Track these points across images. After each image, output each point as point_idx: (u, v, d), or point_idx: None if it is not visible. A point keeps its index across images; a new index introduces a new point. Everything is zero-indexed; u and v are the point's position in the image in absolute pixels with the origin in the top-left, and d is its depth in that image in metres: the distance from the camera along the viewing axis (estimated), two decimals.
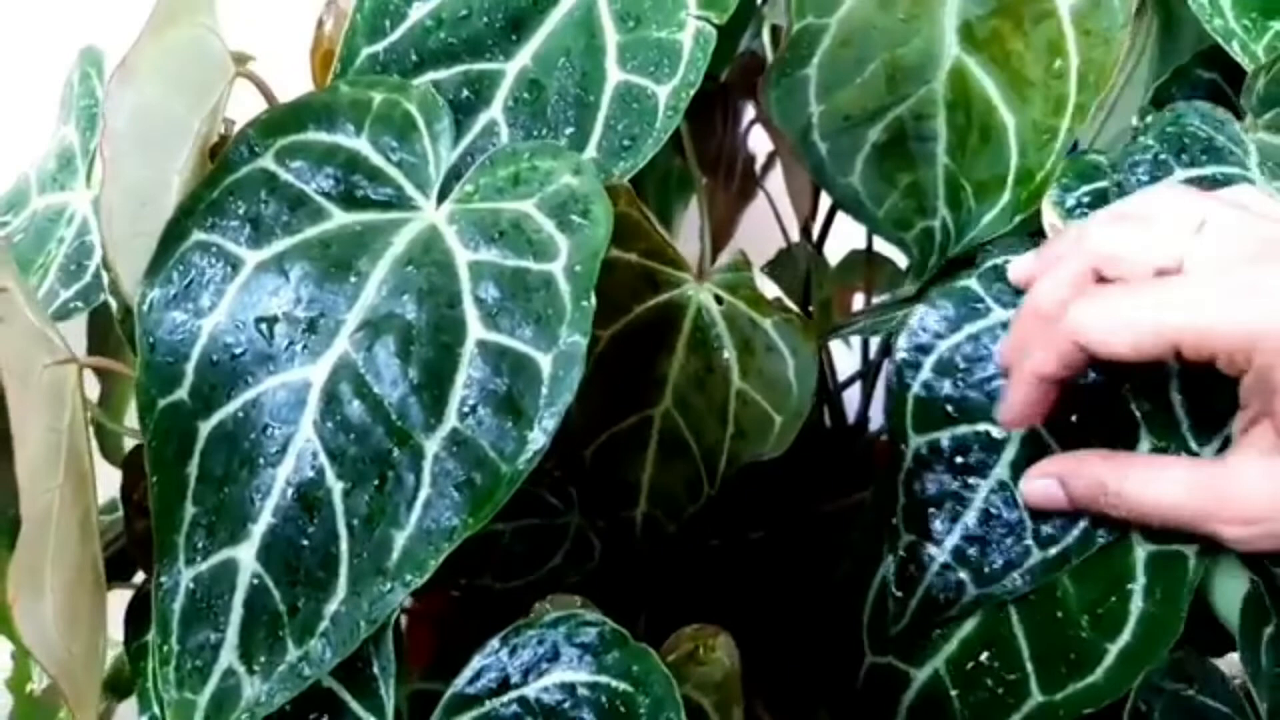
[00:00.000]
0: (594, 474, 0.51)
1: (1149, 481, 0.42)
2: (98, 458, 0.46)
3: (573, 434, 0.50)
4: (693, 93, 0.56)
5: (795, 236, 0.82)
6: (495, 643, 0.41)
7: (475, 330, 0.41)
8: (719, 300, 0.51)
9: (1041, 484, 0.45)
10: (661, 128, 0.56)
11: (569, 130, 0.57)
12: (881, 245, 0.80)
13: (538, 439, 0.39)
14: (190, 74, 0.45)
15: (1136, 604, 0.44)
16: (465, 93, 0.58)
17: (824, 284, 0.81)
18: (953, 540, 0.46)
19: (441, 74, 0.58)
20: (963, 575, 0.45)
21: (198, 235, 0.44)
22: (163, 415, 0.42)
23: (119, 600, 0.50)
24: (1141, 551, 0.44)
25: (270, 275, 0.43)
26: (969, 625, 0.46)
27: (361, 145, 0.46)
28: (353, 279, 0.42)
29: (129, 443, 0.55)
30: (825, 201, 0.73)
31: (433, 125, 0.47)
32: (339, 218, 0.44)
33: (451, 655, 0.42)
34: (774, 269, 0.85)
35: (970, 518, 0.46)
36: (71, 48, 0.70)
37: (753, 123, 0.74)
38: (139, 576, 0.54)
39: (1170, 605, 0.44)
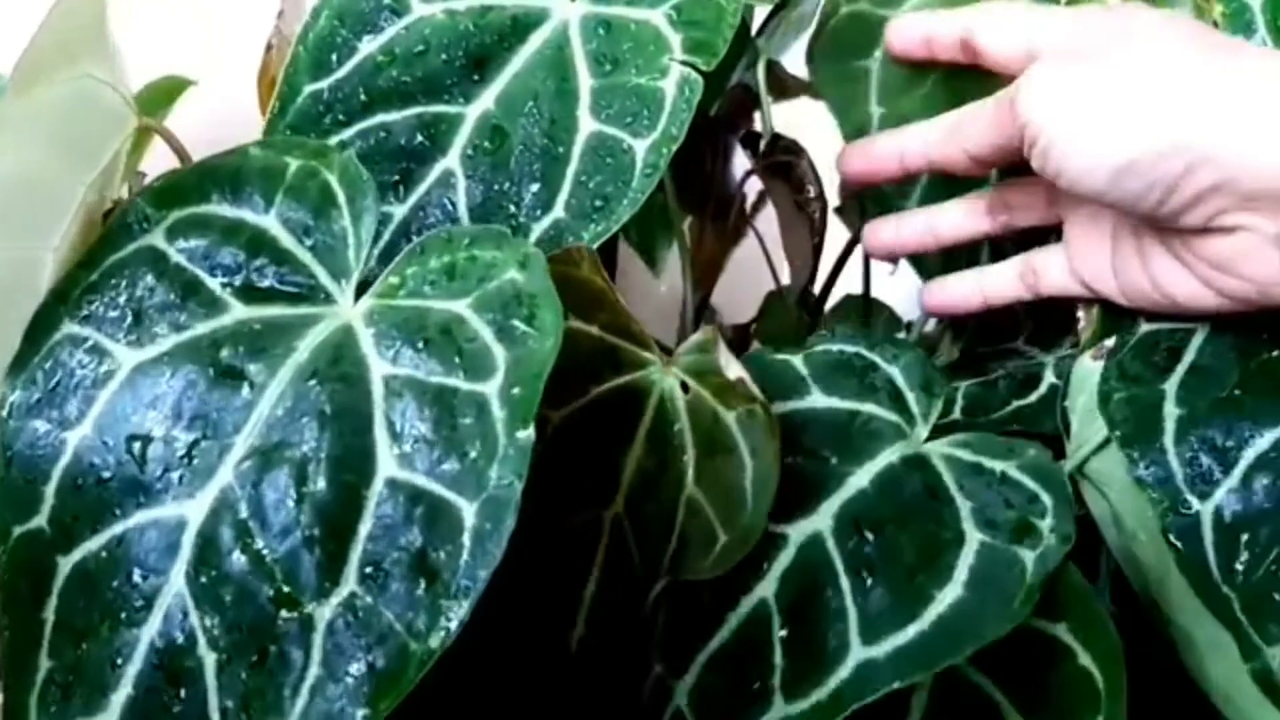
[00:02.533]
0: (529, 585, 0.41)
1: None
2: None
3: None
4: (675, 148, 0.46)
5: (785, 278, 0.72)
6: None
7: (386, 466, 0.31)
8: (685, 389, 0.41)
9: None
10: (638, 187, 0.46)
11: (534, 186, 0.47)
12: (879, 291, 0.71)
13: (456, 610, 0.29)
14: (71, 132, 0.36)
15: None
16: (419, 138, 0.48)
17: (819, 326, 0.71)
18: None
19: (393, 116, 0.48)
20: None
21: (69, 327, 0.34)
22: (18, 545, 0.32)
23: None
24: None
25: (149, 381, 0.33)
26: None
27: (269, 223, 0.36)
28: (245, 392, 0.33)
29: None
30: (829, 253, 0.63)
31: (355, 201, 0.37)
32: (236, 312, 0.34)
33: None
34: (763, 314, 0.75)
35: None
36: None
37: (748, 174, 0.64)
38: None
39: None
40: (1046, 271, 0.47)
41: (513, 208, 0.47)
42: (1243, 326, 0.41)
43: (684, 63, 0.47)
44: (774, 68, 0.59)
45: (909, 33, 0.49)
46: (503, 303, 0.33)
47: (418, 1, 0.49)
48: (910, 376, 0.42)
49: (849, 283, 0.73)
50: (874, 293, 0.74)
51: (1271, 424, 0.37)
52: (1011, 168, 0.46)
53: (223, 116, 0.67)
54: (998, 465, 0.39)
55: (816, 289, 0.67)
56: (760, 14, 0.57)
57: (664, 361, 0.41)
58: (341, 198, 0.36)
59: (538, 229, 0.46)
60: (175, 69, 0.59)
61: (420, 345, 0.33)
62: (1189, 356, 0.41)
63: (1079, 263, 0.46)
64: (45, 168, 0.34)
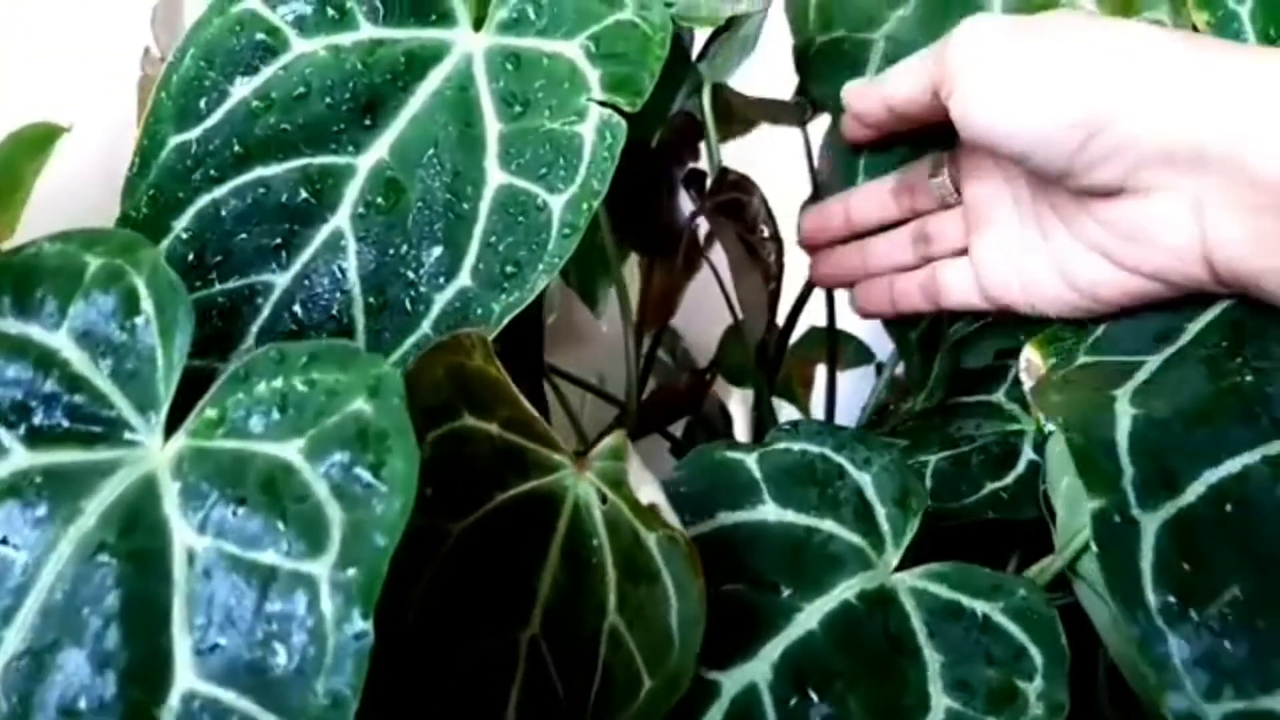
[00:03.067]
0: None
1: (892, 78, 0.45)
2: None
3: (404, 669, 0.33)
4: (596, 204, 0.39)
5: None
6: None
7: (184, 676, 0.24)
8: (602, 499, 0.34)
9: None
10: (555, 250, 0.39)
11: (436, 249, 0.40)
12: (846, 322, 0.64)
13: None
14: None
15: None
16: (303, 194, 0.41)
17: (782, 362, 0.64)
18: None
19: (273, 170, 0.41)
20: None
21: None
22: None
23: None
24: None
25: None
26: None
27: (61, 341, 0.28)
28: (17, 571, 0.26)
29: None
30: (789, 293, 0.56)
31: (165, 311, 0.29)
32: (15, 459, 0.27)
33: None
34: (722, 350, 0.68)
35: None
36: None
37: (694, 214, 0.57)
38: None
39: None
40: (950, 285, 0.47)
41: (411, 275, 0.40)
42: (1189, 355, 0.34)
43: (604, 103, 0.39)
44: (721, 92, 0.52)
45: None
46: (343, 443, 0.26)
47: (296, 37, 0.42)
48: (883, 487, 0.35)
49: (814, 313, 0.66)
50: (841, 324, 0.67)
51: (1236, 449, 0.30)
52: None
53: (107, 166, 0.60)
54: (980, 606, 0.32)
55: (781, 319, 0.60)
56: (701, 36, 0.50)
57: (576, 465, 0.34)
58: (149, 307, 0.29)
59: (441, 299, 0.40)
60: (51, 113, 0.51)
61: (237, 506, 0.26)
62: (1141, 375, 0.34)
63: (983, 273, 0.45)
64: None
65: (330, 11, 0.42)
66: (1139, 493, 0.28)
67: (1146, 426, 0.30)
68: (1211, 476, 0.29)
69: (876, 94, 0.45)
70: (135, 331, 0.28)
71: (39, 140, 0.51)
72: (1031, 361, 0.36)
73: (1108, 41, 0.37)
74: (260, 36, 0.42)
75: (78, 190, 0.57)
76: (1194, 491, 0.28)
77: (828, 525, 0.34)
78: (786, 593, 0.33)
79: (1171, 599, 0.27)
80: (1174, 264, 0.37)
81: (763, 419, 0.56)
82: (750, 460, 0.36)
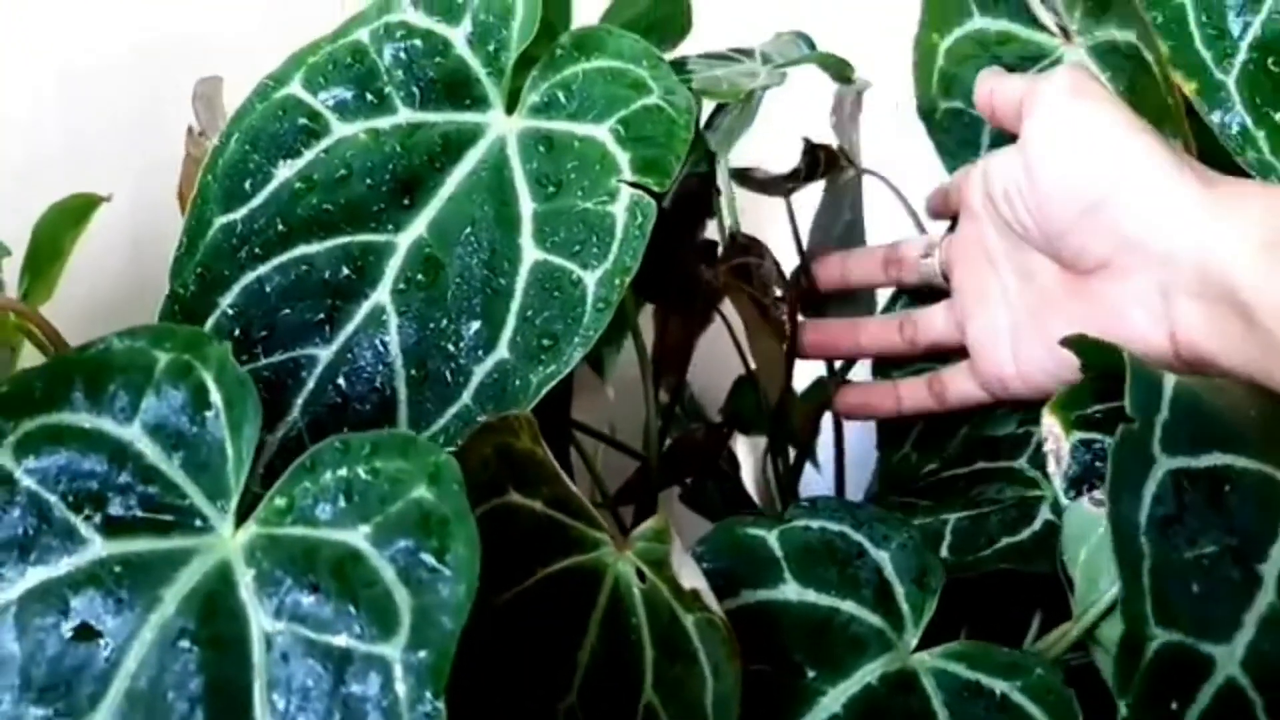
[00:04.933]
0: None
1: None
2: None
3: None
4: (628, 280, 0.40)
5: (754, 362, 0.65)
6: None
7: None
8: (641, 577, 0.34)
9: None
10: (590, 324, 0.40)
11: (474, 324, 0.41)
12: (856, 372, 0.64)
13: None
14: None
15: None
16: (345, 271, 0.41)
17: (793, 411, 0.65)
18: None
19: (315, 248, 0.42)
20: None
21: None
22: None
23: None
24: None
25: None
26: None
27: (134, 434, 0.29)
28: (102, 658, 0.26)
29: None
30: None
31: (234, 406, 0.29)
32: (95, 548, 0.27)
33: None
34: (732, 399, 0.69)
35: None
36: None
37: (707, 281, 0.57)
38: None
39: None
40: (952, 382, 0.50)
41: (451, 348, 0.40)
42: None
43: (634, 184, 0.40)
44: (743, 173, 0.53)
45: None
46: (407, 530, 0.26)
47: (337, 121, 0.42)
48: (901, 565, 0.35)
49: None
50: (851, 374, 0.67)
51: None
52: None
53: (144, 234, 0.60)
54: (998, 685, 0.32)
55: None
56: (708, 107, 0.51)
57: (617, 543, 0.35)
58: (218, 401, 0.29)
59: (480, 371, 0.40)
60: (89, 183, 0.51)
61: (310, 591, 0.26)
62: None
63: (980, 364, 0.47)
64: None
65: (369, 97, 0.43)
66: None
67: None
68: None
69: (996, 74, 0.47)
70: (205, 424, 0.29)
71: (79, 210, 0.51)
72: (1053, 429, 0.36)
73: (1125, 139, 0.40)
74: (302, 121, 0.42)
75: (104, 257, 0.57)
76: None
77: (849, 606, 0.34)
78: (810, 675, 0.33)
79: None
80: (1147, 341, 0.40)
81: (778, 475, 0.56)
82: (772, 538, 0.37)
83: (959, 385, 0.49)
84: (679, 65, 0.49)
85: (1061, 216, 0.41)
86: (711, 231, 0.60)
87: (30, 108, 0.59)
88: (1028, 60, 0.49)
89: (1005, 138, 0.48)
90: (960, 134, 0.52)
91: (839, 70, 0.52)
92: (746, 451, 0.76)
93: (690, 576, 0.31)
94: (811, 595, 0.35)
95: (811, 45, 0.56)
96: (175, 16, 0.63)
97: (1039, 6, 0.50)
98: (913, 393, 0.52)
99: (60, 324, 0.52)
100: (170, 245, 0.42)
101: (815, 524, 0.36)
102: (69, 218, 0.51)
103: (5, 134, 0.57)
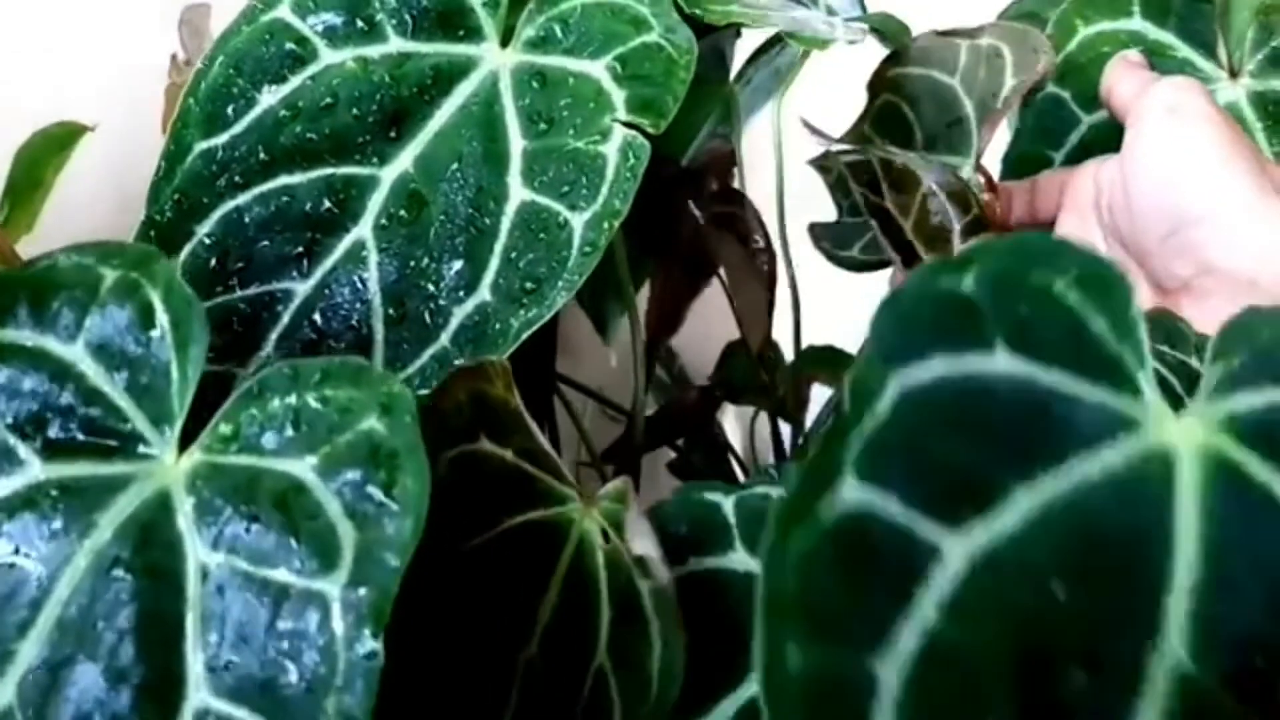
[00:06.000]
0: None
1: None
2: None
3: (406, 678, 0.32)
4: (617, 224, 0.38)
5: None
6: None
7: (196, 693, 0.22)
8: (605, 537, 0.33)
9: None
10: (575, 268, 0.38)
11: (456, 263, 0.39)
12: (848, 340, 0.63)
13: None
14: None
15: None
16: (327, 204, 0.40)
17: (781, 379, 0.63)
18: None
19: (298, 178, 0.40)
20: None
21: None
22: None
23: None
24: None
25: None
26: None
27: (77, 353, 0.27)
28: (33, 585, 0.25)
29: None
30: (783, 302, 0.55)
31: (181, 326, 0.28)
32: (32, 470, 0.26)
33: None
34: (723, 365, 0.67)
35: None
36: None
37: (695, 228, 0.56)
38: None
39: None
40: None
41: (431, 287, 0.39)
42: None
43: (628, 124, 0.38)
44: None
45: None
46: (356, 462, 0.25)
47: (325, 48, 0.41)
48: None
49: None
50: (842, 343, 0.66)
51: None
52: None
53: (130, 164, 0.59)
54: None
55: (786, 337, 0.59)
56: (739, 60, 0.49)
57: (585, 501, 0.33)
58: (165, 320, 0.28)
59: (459, 313, 0.39)
60: (72, 112, 0.50)
61: (250, 522, 0.24)
62: None
63: None
64: None
65: (360, 24, 0.41)
66: None
67: None
68: None
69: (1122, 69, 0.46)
70: (150, 345, 0.27)
71: (61, 139, 0.50)
72: None
73: (1219, 163, 0.40)
74: (289, 46, 0.41)
75: (92, 190, 0.56)
76: None
77: None
78: (743, 646, 0.31)
79: None
80: None
81: (777, 445, 0.55)
82: (727, 505, 0.35)
83: None
84: None
85: (1151, 235, 0.41)
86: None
87: (12, 37, 0.57)
88: None
89: (1088, 147, 0.47)
90: (1046, 124, 0.50)
91: (896, 35, 0.50)
92: (734, 422, 0.75)
93: (641, 544, 0.30)
94: (755, 564, 0.33)
95: (863, 3, 0.54)
96: None
97: (1220, 35, 0.48)
98: None
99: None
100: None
101: (775, 492, 0.34)
102: (52, 145, 0.49)
103: None
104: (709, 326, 0.65)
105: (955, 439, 0.21)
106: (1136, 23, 0.49)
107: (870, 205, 0.41)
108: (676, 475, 0.67)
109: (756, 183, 0.57)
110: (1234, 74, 0.47)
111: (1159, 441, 0.23)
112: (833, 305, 0.58)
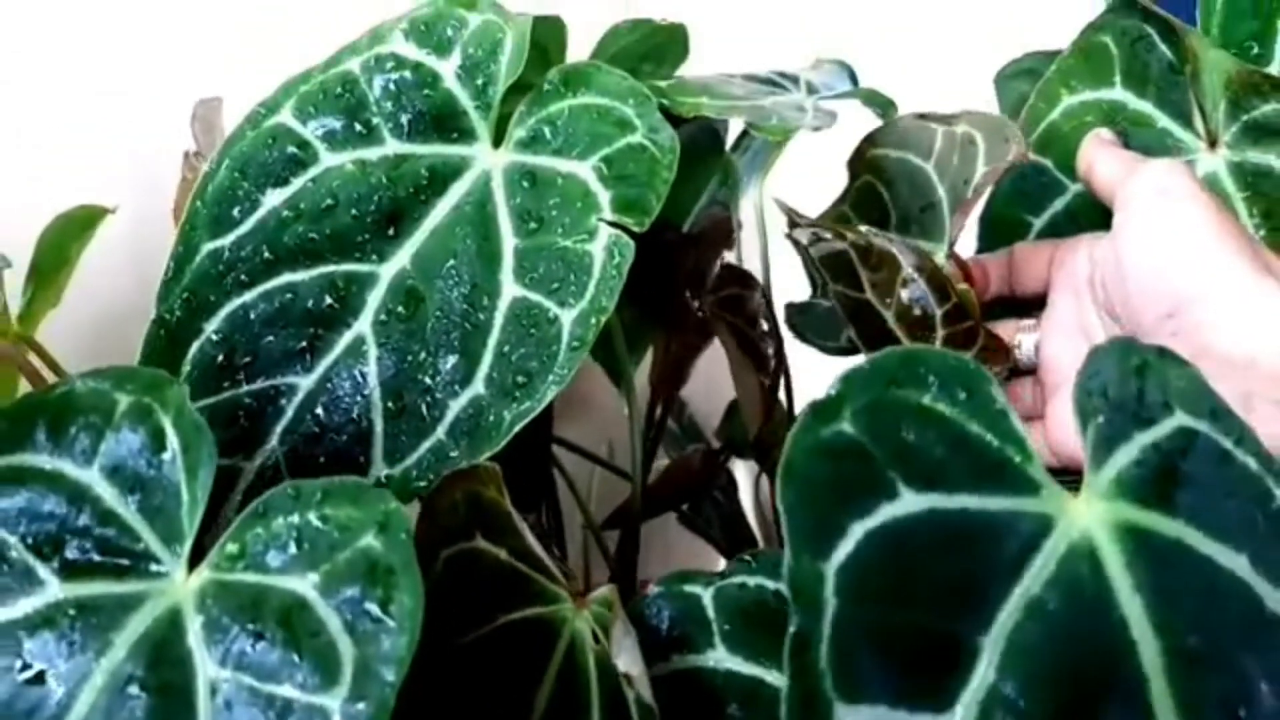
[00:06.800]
0: None
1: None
2: None
3: None
4: (604, 320, 0.40)
5: None
6: None
7: None
8: (595, 638, 0.35)
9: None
10: (565, 363, 0.40)
11: (452, 358, 0.41)
12: None
13: None
14: None
15: None
16: (328, 300, 0.42)
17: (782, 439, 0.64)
18: None
19: (300, 276, 0.42)
20: None
21: None
22: None
23: None
24: None
25: None
26: None
27: (93, 477, 0.30)
28: (53, 703, 0.27)
29: None
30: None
31: (191, 450, 0.30)
32: (51, 590, 0.28)
33: None
34: (726, 422, 0.69)
35: None
36: None
37: (698, 309, 0.58)
38: None
39: None
40: None
41: (428, 381, 0.41)
42: None
43: (613, 224, 0.40)
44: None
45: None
46: (355, 578, 0.27)
47: (326, 151, 0.43)
48: None
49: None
50: None
51: None
52: None
53: (145, 244, 0.61)
54: None
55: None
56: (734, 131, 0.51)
57: (575, 600, 0.35)
58: (175, 444, 0.30)
59: (455, 406, 0.40)
60: (95, 195, 0.52)
61: (256, 640, 0.26)
62: None
63: (1057, 432, 0.44)
64: None
65: (358, 127, 0.43)
66: None
67: None
68: None
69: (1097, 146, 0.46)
70: (162, 467, 0.29)
71: (84, 221, 0.52)
72: None
73: (1210, 243, 0.40)
74: (292, 150, 0.43)
75: (112, 265, 0.58)
76: None
77: (774, 677, 0.34)
78: None
79: None
80: None
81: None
82: (706, 597, 0.36)
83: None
84: (718, 87, 0.49)
85: (1148, 315, 0.41)
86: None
87: (34, 122, 0.60)
88: (1157, 151, 0.48)
89: (1074, 214, 0.48)
90: (1025, 188, 0.50)
91: (884, 108, 0.52)
92: (744, 475, 0.77)
93: (627, 660, 0.31)
94: (739, 664, 0.34)
95: (854, 78, 0.55)
96: (176, 35, 0.63)
97: (1196, 105, 0.48)
98: None
99: (63, 335, 0.53)
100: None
101: (752, 581, 0.36)
102: (75, 227, 0.52)
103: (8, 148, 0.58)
104: (718, 371, 0.66)
105: (906, 611, 0.23)
106: (1118, 92, 0.49)
107: (847, 301, 0.42)
108: (688, 527, 0.69)
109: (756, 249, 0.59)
110: (1212, 144, 0.48)
111: (1075, 535, 0.25)
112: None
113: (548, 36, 0.50)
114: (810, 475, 0.24)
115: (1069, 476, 0.44)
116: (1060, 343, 0.46)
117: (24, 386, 0.49)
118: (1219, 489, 0.25)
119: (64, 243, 0.53)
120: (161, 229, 0.53)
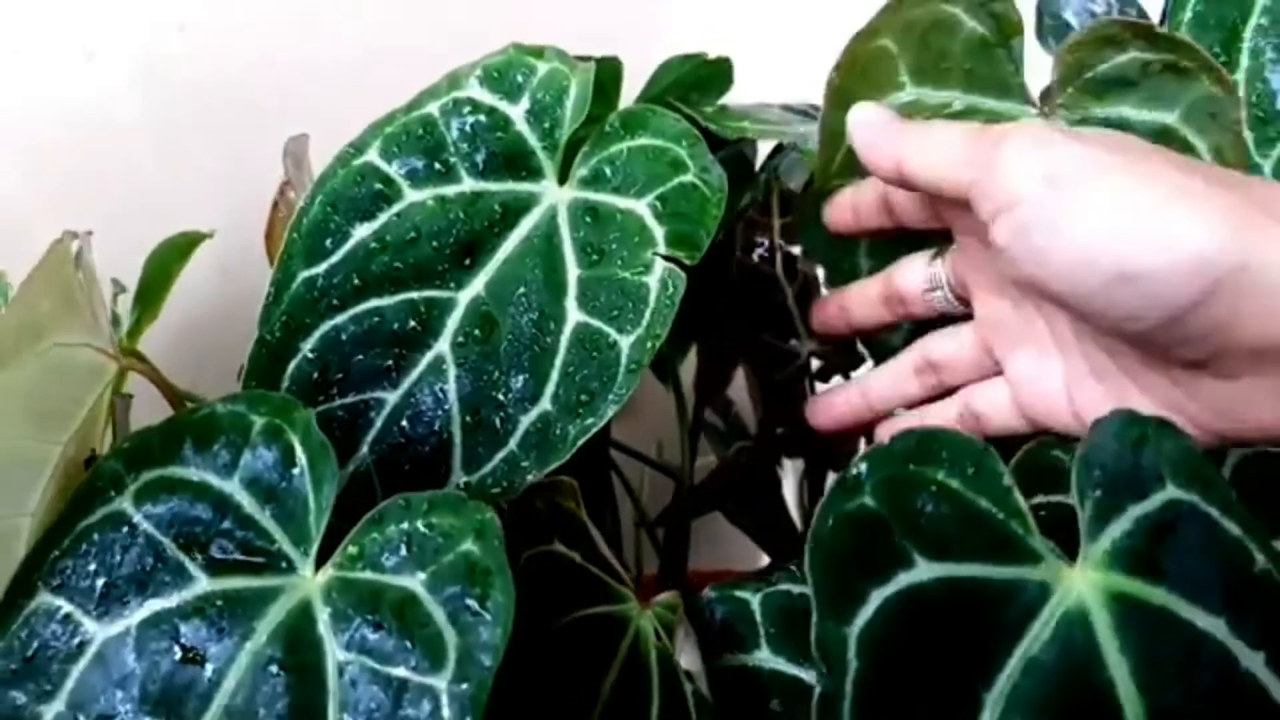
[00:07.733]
0: None
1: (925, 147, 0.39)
2: None
3: None
4: (658, 346, 0.45)
5: None
6: None
7: None
8: (657, 636, 0.40)
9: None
10: (623, 384, 0.45)
11: (522, 378, 0.46)
12: None
13: None
14: (44, 403, 0.35)
15: None
16: (412, 323, 0.47)
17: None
18: None
19: (386, 301, 0.47)
20: None
21: (44, 596, 0.33)
22: None
23: None
24: None
25: (118, 659, 0.32)
26: None
27: (233, 487, 0.35)
28: (206, 679, 0.32)
29: None
30: None
31: (316, 466, 0.35)
32: (201, 584, 0.34)
33: None
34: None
35: None
36: None
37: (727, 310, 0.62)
38: None
39: None
40: (991, 413, 0.43)
41: (501, 397, 0.46)
42: None
43: (667, 258, 0.45)
44: (787, 198, 0.58)
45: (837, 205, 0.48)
46: (457, 577, 0.32)
47: (409, 188, 0.48)
48: None
49: None
50: None
51: None
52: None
53: (239, 267, 0.67)
54: None
55: None
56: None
57: (641, 601, 0.40)
58: (303, 460, 0.35)
59: (525, 421, 0.45)
60: (194, 220, 0.58)
61: (373, 627, 0.32)
62: None
63: (1026, 395, 0.41)
64: (19, 439, 0.33)
65: (438, 166, 0.48)
66: None
67: None
68: None
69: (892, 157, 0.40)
70: (292, 481, 0.35)
71: (185, 245, 0.58)
72: None
73: (1219, 190, 0.32)
74: (378, 187, 0.48)
75: (203, 281, 0.64)
76: None
77: (810, 678, 0.37)
78: None
79: None
80: (1265, 435, 0.34)
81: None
82: (754, 602, 0.40)
83: (1001, 418, 0.42)
84: (758, 113, 0.53)
85: (1119, 321, 0.34)
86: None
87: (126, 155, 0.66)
88: None
89: None
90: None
91: None
92: (789, 471, 0.81)
93: (689, 659, 0.36)
94: (782, 663, 0.38)
95: None
96: (269, 69, 0.69)
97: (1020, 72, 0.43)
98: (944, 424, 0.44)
99: (158, 345, 0.59)
100: (253, 277, 0.48)
101: (795, 590, 0.40)
102: (176, 251, 0.57)
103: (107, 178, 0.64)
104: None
105: (919, 670, 0.28)
106: (909, 93, 0.45)
107: None
108: (734, 524, 0.73)
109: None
110: (1044, 113, 0.44)
111: (1070, 603, 0.29)
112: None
113: (604, 74, 0.55)
114: (834, 547, 0.28)
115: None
116: (987, 296, 0.42)
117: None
118: (1203, 555, 0.28)
119: (167, 265, 0.59)
120: (247, 244, 0.58)
